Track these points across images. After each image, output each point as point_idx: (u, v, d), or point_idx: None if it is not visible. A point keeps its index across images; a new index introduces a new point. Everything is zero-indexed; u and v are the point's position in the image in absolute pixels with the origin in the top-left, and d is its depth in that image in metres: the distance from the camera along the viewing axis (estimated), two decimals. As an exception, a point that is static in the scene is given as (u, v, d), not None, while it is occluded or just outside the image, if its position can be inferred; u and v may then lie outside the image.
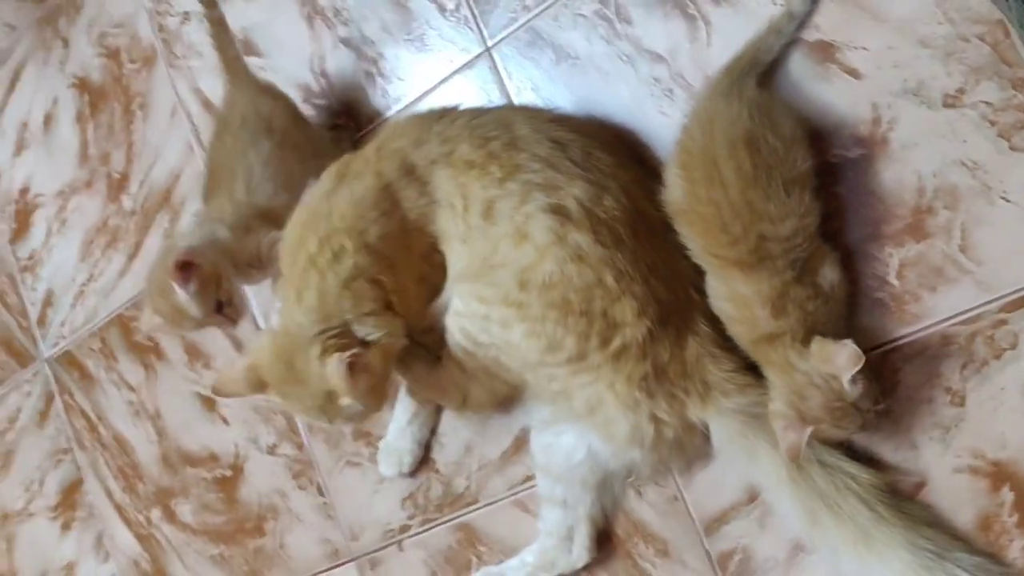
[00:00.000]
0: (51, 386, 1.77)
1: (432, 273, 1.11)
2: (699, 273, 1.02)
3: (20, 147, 1.79)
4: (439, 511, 1.32)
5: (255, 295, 1.44)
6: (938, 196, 0.97)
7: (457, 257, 1.08)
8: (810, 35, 1.03)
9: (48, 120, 1.74)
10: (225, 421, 1.53)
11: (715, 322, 1.02)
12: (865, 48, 1.00)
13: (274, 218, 1.18)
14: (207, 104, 1.52)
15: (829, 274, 0.96)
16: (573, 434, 1.09)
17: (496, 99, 1.24)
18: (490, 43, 1.24)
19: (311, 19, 1.40)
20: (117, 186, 1.65)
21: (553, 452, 1.11)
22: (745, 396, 1.00)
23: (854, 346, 0.89)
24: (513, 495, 1.25)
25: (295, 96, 1.41)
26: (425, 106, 1.29)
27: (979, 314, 0.96)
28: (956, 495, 0.97)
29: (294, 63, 1.42)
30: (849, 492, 0.97)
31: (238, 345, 1.49)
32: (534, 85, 1.21)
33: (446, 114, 1.11)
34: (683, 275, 1.03)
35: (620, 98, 1.14)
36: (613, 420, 1.03)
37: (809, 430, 0.92)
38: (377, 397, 1.06)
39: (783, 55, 1.04)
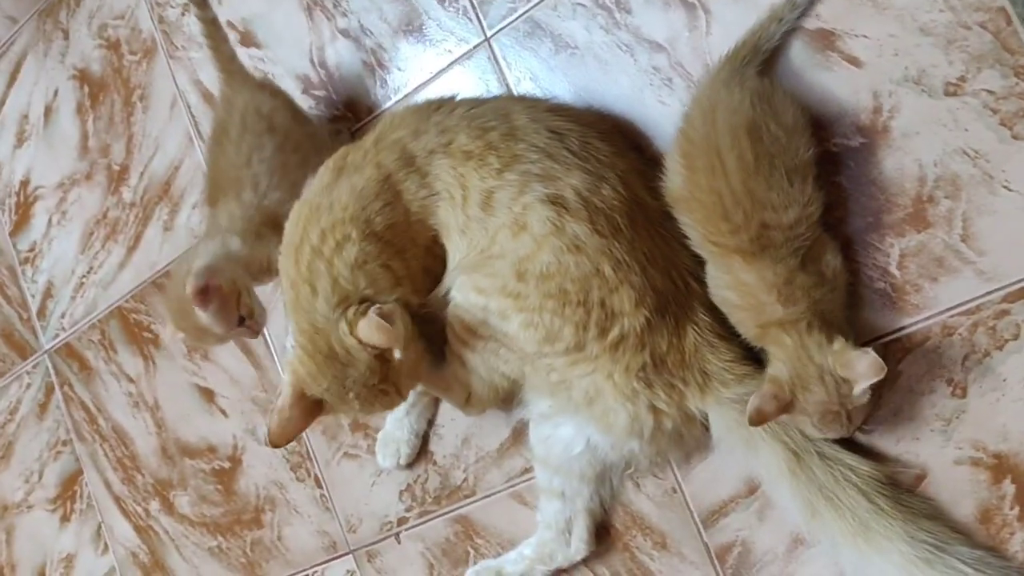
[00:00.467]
0: (51, 378, 1.77)
1: (435, 265, 1.10)
2: (698, 263, 1.02)
3: (20, 139, 1.79)
4: (437, 503, 1.31)
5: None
6: (939, 185, 0.96)
7: (456, 248, 1.08)
8: (811, 23, 1.02)
9: (48, 112, 1.74)
10: (223, 413, 1.53)
11: (714, 312, 1.01)
12: (866, 36, 0.99)
13: (284, 223, 1.17)
14: (207, 96, 1.52)
15: (832, 262, 0.96)
16: (572, 426, 1.08)
17: (495, 89, 1.24)
18: (489, 33, 1.24)
19: (310, 10, 1.39)
20: (117, 178, 1.64)
21: (552, 444, 1.11)
22: (744, 386, 0.99)
23: (877, 357, 0.88)
24: (511, 487, 1.25)
25: (294, 87, 1.41)
26: (424, 96, 1.28)
27: (981, 304, 0.95)
28: (957, 487, 0.96)
29: (293, 54, 1.41)
30: (848, 484, 0.96)
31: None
32: (533, 75, 1.20)
33: (444, 104, 1.11)
34: (681, 264, 1.02)
35: (619, 88, 1.14)
36: (612, 411, 1.02)
37: (787, 416, 0.92)
38: (413, 347, 1.04)
39: (784, 43, 1.04)
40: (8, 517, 1.85)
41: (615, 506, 1.16)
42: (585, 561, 1.16)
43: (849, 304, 0.99)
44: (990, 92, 0.93)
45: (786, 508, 1.01)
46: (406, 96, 1.31)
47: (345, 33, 1.36)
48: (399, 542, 1.35)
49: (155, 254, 1.59)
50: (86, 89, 1.68)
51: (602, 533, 1.16)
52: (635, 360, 1.00)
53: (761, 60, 1.02)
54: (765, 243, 0.92)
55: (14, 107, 1.79)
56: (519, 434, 1.23)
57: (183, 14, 1.54)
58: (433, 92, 1.28)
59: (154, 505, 1.63)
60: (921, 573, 0.92)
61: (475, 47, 1.25)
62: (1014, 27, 0.92)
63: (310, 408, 1.04)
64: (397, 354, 1.01)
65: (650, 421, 1.02)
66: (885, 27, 0.98)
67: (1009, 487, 0.94)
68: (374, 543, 1.38)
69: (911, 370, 0.98)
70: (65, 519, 1.76)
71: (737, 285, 0.95)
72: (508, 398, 1.13)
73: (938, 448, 0.97)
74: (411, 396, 1.26)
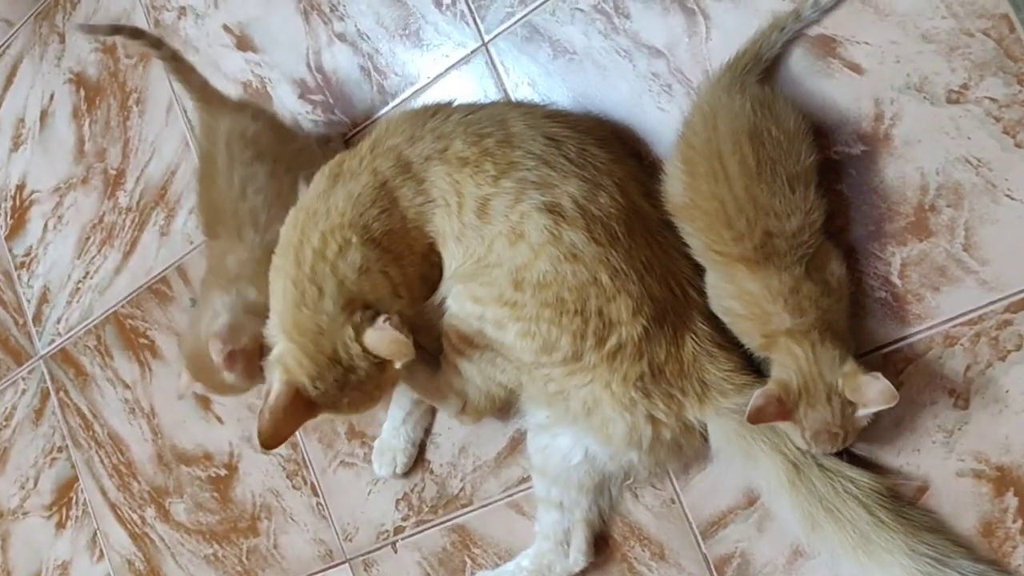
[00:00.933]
0: (47, 383, 1.76)
1: (431, 273, 1.09)
2: (696, 271, 1.01)
3: (16, 143, 1.78)
4: (433, 512, 1.30)
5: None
6: (941, 194, 0.95)
7: (452, 256, 1.06)
8: (812, 30, 1.01)
9: (44, 116, 1.73)
10: (219, 420, 1.52)
11: (713, 321, 1.00)
12: (867, 43, 0.98)
13: None
14: (203, 100, 1.50)
15: (837, 271, 0.94)
16: (570, 436, 1.07)
17: (493, 94, 1.22)
18: (487, 38, 1.23)
19: (307, 14, 1.38)
20: (113, 182, 1.63)
21: (550, 454, 1.10)
22: (743, 396, 0.98)
23: (889, 384, 0.87)
24: (508, 497, 1.24)
25: (291, 91, 1.40)
26: (421, 101, 1.27)
27: (983, 314, 0.94)
28: (959, 500, 0.95)
29: (290, 58, 1.40)
30: (849, 496, 0.95)
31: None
32: (531, 80, 1.19)
33: (440, 110, 1.10)
34: (680, 273, 1.01)
35: (618, 93, 1.13)
36: (610, 421, 1.01)
37: (786, 427, 0.91)
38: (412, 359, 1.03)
39: (785, 51, 1.02)
40: (3, 524, 1.84)
41: (613, 516, 1.15)
42: (583, 572, 1.14)
43: (850, 313, 0.98)
44: (993, 100, 0.92)
45: (786, 520, 1.00)
46: (403, 101, 1.30)
47: (342, 37, 1.35)
48: (395, 551, 1.34)
49: (151, 259, 1.58)
50: (82, 93, 1.67)
51: (600, 544, 1.15)
52: (633, 370, 0.99)
53: (762, 68, 1.01)
54: (769, 251, 0.91)
55: (10, 111, 1.78)
56: (516, 443, 1.22)
57: (179, 17, 1.53)
58: (430, 97, 1.27)
59: (150, 512, 1.62)
60: (923, 587, 0.91)
61: (473, 52, 1.24)
62: (1017, 34, 0.91)
63: (304, 409, 1.03)
64: (398, 364, 1.00)
65: (648, 431, 1.01)
66: (887, 34, 0.97)
67: (1012, 500, 0.93)
68: (370, 552, 1.37)
69: (912, 381, 0.97)
70: (60, 526, 1.75)
71: (741, 295, 0.94)
72: (505, 407, 1.12)
73: (940, 460, 0.96)
74: (408, 404, 1.25)
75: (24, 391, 1.79)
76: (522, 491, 1.22)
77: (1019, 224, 0.92)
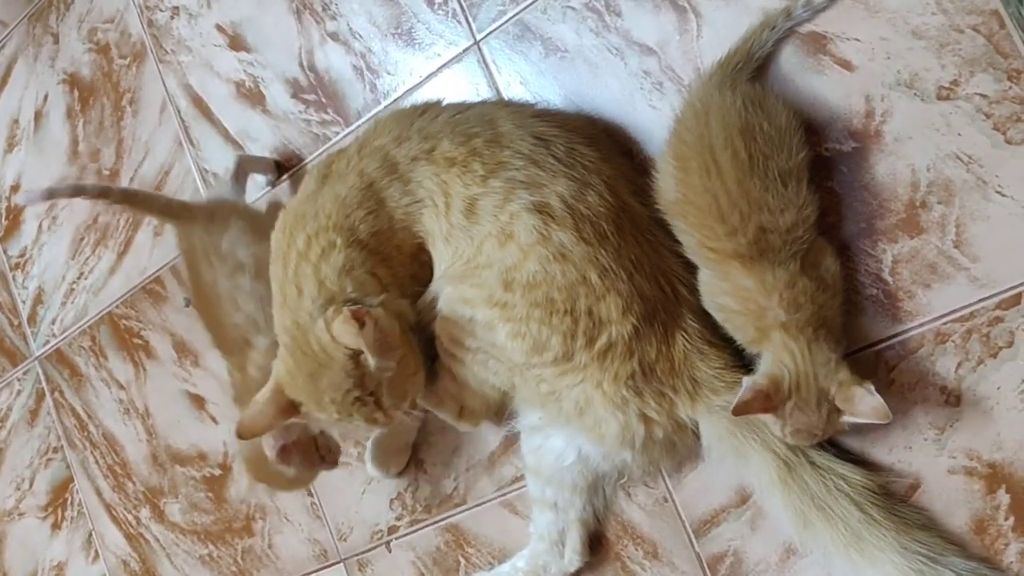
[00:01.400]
0: (41, 384, 1.76)
1: (422, 273, 1.09)
2: (687, 269, 1.00)
3: (11, 144, 1.78)
4: (427, 512, 1.30)
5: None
6: (932, 190, 0.95)
7: (441, 256, 1.06)
8: (803, 27, 1.01)
9: (38, 116, 1.73)
10: (214, 420, 1.52)
11: (704, 318, 1.00)
12: (857, 39, 0.98)
13: None
14: (197, 100, 1.50)
15: (832, 267, 0.94)
16: (563, 437, 1.07)
17: (485, 93, 1.22)
18: (479, 36, 1.22)
19: (299, 13, 1.38)
20: (107, 182, 1.63)
21: (543, 454, 1.10)
22: (735, 394, 0.97)
23: (883, 403, 0.87)
24: (502, 496, 1.24)
25: (283, 91, 1.40)
26: (414, 100, 1.27)
27: (974, 311, 0.94)
28: (950, 497, 0.95)
29: (283, 58, 1.40)
30: (841, 494, 0.95)
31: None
32: (523, 79, 1.19)
33: (428, 109, 1.10)
34: (670, 271, 1.01)
35: (610, 91, 1.12)
36: (603, 420, 1.01)
37: (766, 417, 0.90)
38: (393, 356, 1.02)
39: (776, 49, 1.02)
40: (-1, 524, 1.85)
41: (607, 516, 1.15)
42: (577, 572, 1.14)
43: (842, 309, 0.97)
44: (983, 96, 0.92)
45: (778, 518, 1.00)
46: (396, 100, 1.30)
47: (334, 36, 1.35)
48: (390, 551, 1.34)
49: (145, 259, 1.58)
50: (76, 93, 1.67)
51: (594, 543, 1.15)
52: (624, 368, 0.99)
53: (754, 66, 1.01)
54: (763, 247, 0.91)
55: (4, 111, 1.78)
56: (510, 443, 1.21)
57: (172, 18, 1.53)
58: (423, 96, 1.27)
59: (145, 513, 1.62)
60: (914, 584, 0.90)
61: (465, 50, 1.24)
62: (1007, 30, 0.91)
63: (284, 407, 1.03)
64: (371, 360, 0.99)
65: (641, 430, 1.00)
66: (877, 30, 0.97)
67: (1004, 497, 0.93)
68: (365, 552, 1.37)
69: (904, 378, 0.97)
70: (56, 527, 1.75)
71: (736, 291, 0.94)
72: (500, 410, 1.12)
73: (931, 457, 0.96)
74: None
75: (19, 392, 1.79)
76: (515, 490, 1.22)
77: (1010, 220, 0.92)
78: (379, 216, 1.05)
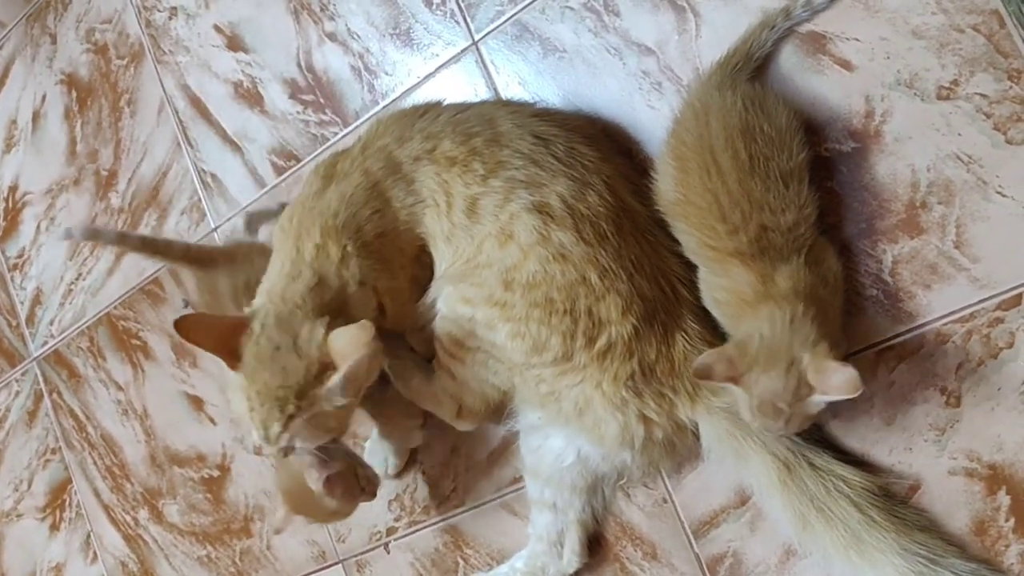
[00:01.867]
0: (40, 385, 1.75)
1: (422, 275, 1.09)
2: (687, 269, 1.00)
3: (9, 144, 1.77)
4: (426, 513, 1.30)
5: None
6: (932, 191, 0.95)
7: (442, 257, 1.06)
8: (802, 26, 1.01)
9: (36, 117, 1.73)
10: (212, 421, 1.51)
11: (704, 319, 1.00)
12: (857, 39, 0.98)
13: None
14: (194, 100, 1.50)
15: (834, 267, 0.94)
16: (562, 437, 1.07)
17: (483, 93, 1.22)
18: (477, 37, 1.22)
19: (297, 13, 1.38)
20: (105, 183, 1.63)
21: (542, 455, 1.09)
22: (734, 394, 0.97)
23: (857, 375, 0.83)
24: (500, 497, 1.23)
25: (281, 91, 1.40)
26: (412, 101, 1.27)
27: (975, 312, 0.93)
28: (951, 498, 0.94)
29: (281, 58, 1.40)
30: (840, 495, 0.94)
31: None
32: (521, 79, 1.19)
33: (429, 109, 1.10)
34: (670, 271, 1.00)
35: (608, 92, 1.12)
36: (603, 421, 1.00)
37: (728, 386, 0.88)
38: (351, 404, 1.01)
39: (775, 49, 1.02)
40: (-3, 526, 1.84)
41: (606, 517, 1.15)
42: (576, 573, 1.14)
43: (842, 310, 0.97)
44: (983, 96, 0.92)
45: (778, 519, 0.99)
46: (394, 100, 1.30)
47: (332, 37, 1.35)
48: (388, 552, 1.34)
49: (143, 260, 1.58)
50: (74, 94, 1.67)
51: (593, 544, 1.15)
52: (623, 369, 0.98)
53: (753, 66, 1.01)
54: (764, 245, 0.90)
55: (2, 112, 1.78)
56: (508, 444, 1.21)
57: (170, 18, 1.53)
58: (421, 97, 1.26)
59: (143, 514, 1.62)
60: (915, 586, 0.90)
61: (463, 51, 1.24)
62: (1007, 30, 0.90)
63: (231, 337, 1.02)
64: (335, 381, 0.97)
65: (641, 431, 1.00)
66: (877, 30, 0.96)
67: (1004, 498, 0.92)
68: (363, 553, 1.37)
69: (904, 379, 0.96)
70: (54, 528, 1.75)
71: (735, 285, 0.93)
72: (499, 410, 1.12)
73: (932, 458, 0.95)
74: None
75: (18, 393, 1.79)
76: (514, 491, 1.21)
77: (1010, 221, 0.91)
78: (385, 216, 1.05)
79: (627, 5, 1.10)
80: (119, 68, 1.60)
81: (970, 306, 0.93)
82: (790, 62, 1.01)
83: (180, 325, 1.03)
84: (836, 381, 0.84)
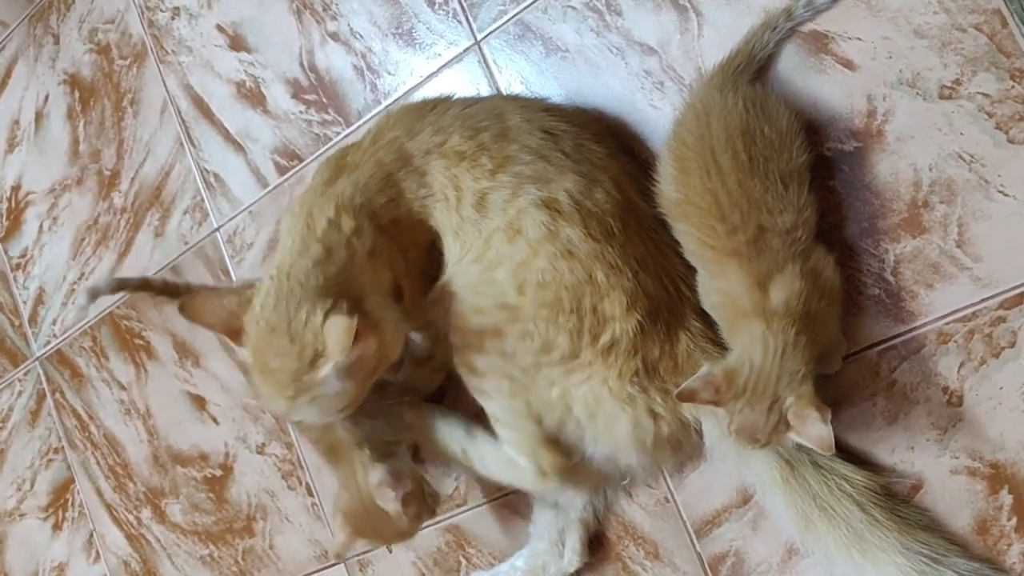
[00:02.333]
0: (42, 385, 1.75)
1: (431, 269, 1.09)
2: (690, 268, 1.00)
3: (12, 144, 1.78)
4: (428, 512, 1.30)
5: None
6: (934, 190, 0.95)
7: (450, 251, 1.06)
8: (804, 25, 1.01)
9: (39, 117, 1.73)
10: (215, 420, 1.51)
11: (706, 318, 0.99)
12: (859, 38, 0.98)
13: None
14: (197, 100, 1.50)
15: (831, 277, 0.93)
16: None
17: (486, 93, 1.22)
18: (479, 36, 1.22)
19: (300, 13, 1.38)
20: (108, 183, 1.63)
21: None
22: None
23: (830, 434, 0.83)
24: (502, 496, 1.23)
25: (284, 91, 1.40)
26: (415, 100, 1.27)
27: (977, 311, 0.93)
28: (953, 497, 0.94)
29: (283, 58, 1.40)
30: (843, 494, 0.94)
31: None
32: (524, 79, 1.19)
33: (439, 104, 1.09)
34: (673, 270, 1.00)
35: (610, 91, 1.12)
36: (614, 420, 0.99)
37: (714, 408, 0.88)
38: (358, 386, 0.99)
39: (777, 49, 1.02)
40: (0, 526, 1.84)
41: (608, 516, 1.15)
42: (577, 572, 1.14)
43: (843, 311, 0.97)
44: (986, 95, 0.92)
45: (780, 518, 0.99)
46: (396, 100, 1.30)
47: (335, 36, 1.35)
48: (390, 551, 1.34)
49: (146, 260, 1.58)
50: (77, 94, 1.67)
51: (594, 543, 1.15)
52: (627, 366, 0.98)
53: (755, 67, 1.01)
54: (762, 247, 0.90)
55: (5, 112, 1.78)
56: (510, 442, 1.21)
57: (173, 18, 1.53)
58: (424, 96, 1.26)
59: (146, 513, 1.62)
60: (917, 585, 0.90)
61: (465, 50, 1.24)
62: (1010, 29, 0.91)
63: (231, 325, 1.01)
64: (326, 371, 0.94)
65: (651, 427, 0.99)
66: (879, 29, 0.97)
67: (1006, 497, 0.92)
68: (365, 552, 1.37)
69: (906, 378, 0.96)
70: (57, 527, 1.75)
71: (731, 288, 0.92)
72: (593, 475, 1.06)
73: (934, 457, 0.95)
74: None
75: (20, 393, 1.79)
76: (516, 492, 1.21)
77: (1012, 220, 0.91)
78: (399, 205, 1.05)
79: (629, 4, 1.10)
80: (122, 68, 1.60)
81: (972, 305, 0.93)
82: (792, 61, 1.01)
83: (185, 306, 1.03)
84: (812, 432, 0.85)
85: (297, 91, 1.39)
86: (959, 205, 0.94)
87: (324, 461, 1.21)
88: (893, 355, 0.97)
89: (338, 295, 0.97)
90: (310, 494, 1.41)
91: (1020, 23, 0.90)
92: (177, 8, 1.52)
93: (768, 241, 0.90)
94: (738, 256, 0.91)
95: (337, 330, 0.94)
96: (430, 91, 1.26)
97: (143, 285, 1.36)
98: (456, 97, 1.12)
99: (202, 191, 1.50)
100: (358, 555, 1.38)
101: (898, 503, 0.95)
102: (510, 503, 1.23)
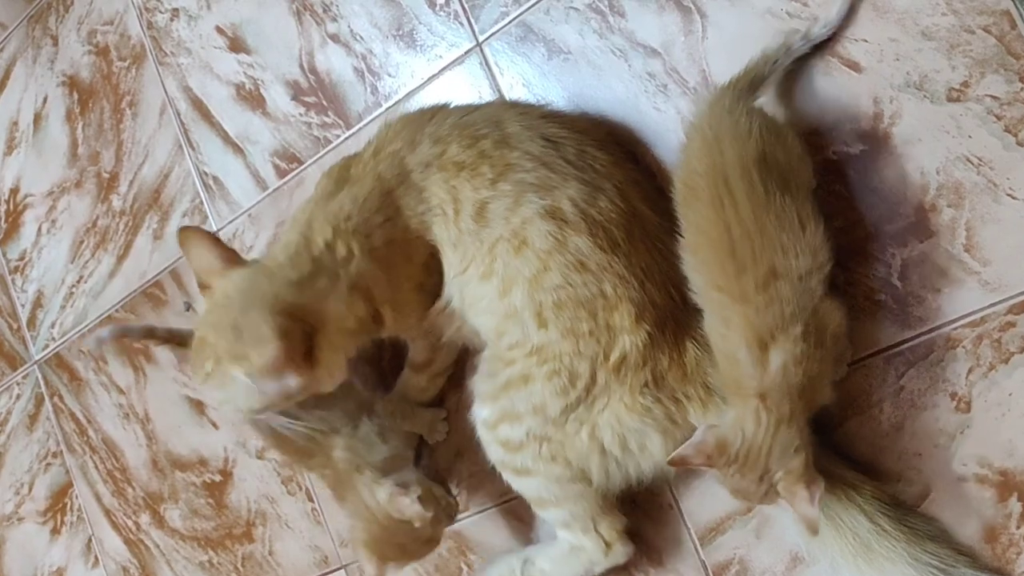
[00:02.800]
0: (41, 389, 1.74)
1: (428, 281, 1.07)
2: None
3: (10, 147, 1.77)
4: (429, 518, 1.29)
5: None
6: (942, 193, 0.93)
7: (449, 264, 1.05)
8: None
9: (38, 119, 1.72)
10: (214, 425, 1.50)
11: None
12: (866, 40, 0.96)
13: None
14: (196, 102, 1.49)
15: (839, 333, 0.89)
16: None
17: (488, 95, 1.21)
18: (481, 38, 1.21)
19: (300, 14, 1.37)
20: (107, 186, 1.62)
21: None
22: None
23: (816, 519, 0.83)
24: (504, 503, 1.22)
25: (284, 93, 1.39)
26: (415, 103, 1.26)
27: (985, 316, 0.92)
28: (961, 505, 0.93)
29: (283, 59, 1.39)
30: (850, 503, 0.93)
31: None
32: (526, 81, 1.18)
33: (437, 113, 1.08)
34: (678, 279, 0.98)
35: (613, 94, 1.11)
36: (642, 435, 0.97)
37: (708, 469, 0.87)
38: (269, 401, 0.99)
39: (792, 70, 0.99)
40: (-2, 530, 1.84)
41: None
42: None
43: (850, 316, 0.95)
44: (994, 98, 0.91)
45: (785, 526, 0.98)
46: (397, 103, 1.29)
47: (335, 38, 1.34)
48: (391, 558, 1.33)
49: (145, 263, 1.57)
50: (75, 96, 1.66)
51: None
52: (636, 379, 0.97)
53: (762, 89, 0.97)
54: (772, 295, 0.84)
55: (4, 114, 1.77)
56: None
57: (172, 19, 1.52)
58: (424, 99, 1.25)
59: (144, 518, 1.61)
60: (925, 596, 0.89)
61: (467, 52, 1.23)
62: (1018, 31, 0.89)
63: (206, 281, 1.04)
64: (241, 377, 0.96)
65: (675, 430, 0.97)
66: (886, 31, 0.95)
67: (1016, 505, 0.91)
68: (366, 558, 1.35)
69: (913, 384, 0.95)
70: (55, 532, 1.74)
71: (729, 345, 0.88)
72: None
73: (942, 465, 0.94)
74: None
75: (19, 396, 1.78)
76: (518, 498, 1.20)
77: (1021, 224, 0.90)
78: (396, 224, 1.03)
79: (632, 6, 1.09)
80: (121, 70, 1.59)
81: (981, 310, 0.92)
82: (798, 63, 1.00)
83: (185, 233, 1.04)
84: (799, 510, 0.84)
85: (297, 93, 1.38)
86: (967, 209, 0.92)
87: (334, 497, 1.20)
88: (900, 361, 0.96)
89: (298, 318, 0.97)
90: (310, 499, 1.40)
91: (1029, 24, 0.89)
92: (176, 9, 1.51)
93: (779, 289, 0.85)
94: (744, 303, 0.86)
95: (266, 354, 0.94)
96: (431, 93, 1.25)
97: (148, 333, 1.37)
98: (454, 105, 1.10)
99: (201, 194, 1.49)
100: (358, 561, 1.36)
101: (906, 512, 0.94)
102: (512, 509, 1.22)
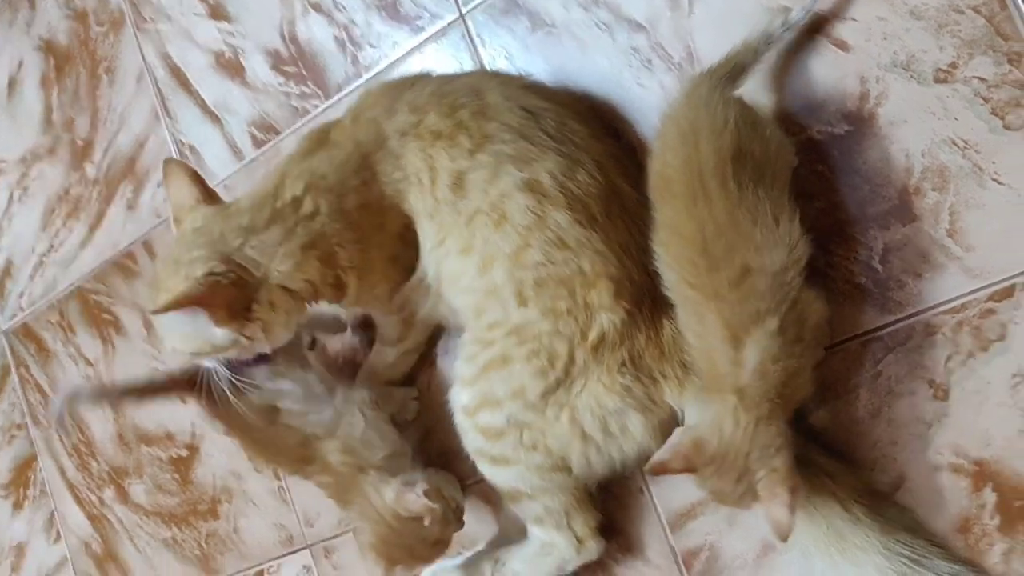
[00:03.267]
0: (7, 359, 1.71)
1: (405, 253, 1.05)
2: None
3: (-16, 111, 1.73)
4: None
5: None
6: (927, 176, 0.92)
7: (426, 234, 1.03)
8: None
9: (13, 84, 1.68)
10: (181, 399, 1.47)
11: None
12: (854, 19, 0.94)
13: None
14: (175, 70, 1.46)
15: (820, 325, 0.87)
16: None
17: (469, 68, 1.18)
18: (464, 10, 1.18)
19: (281, -19, 1.34)
20: (81, 153, 1.59)
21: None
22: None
23: (789, 523, 0.81)
24: (475, 483, 1.20)
25: (264, 62, 1.36)
26: (396, 75, 1.23)
27: (966, 303, 0.90)
28: (935, 495, 0.91)
29: (264, 28, 1.36)
30: (825, 491, 0.91)
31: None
32: (508, 54, 1.15)
33: (417, 81, 1.07)
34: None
35: (597, 68, 1.09)
36: (622, 416, 0.95)
37: (684, 473, 0.85)
38: (200, 346, 1.00)
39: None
40: (-42, 502, 1.80)
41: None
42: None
43: (829, 299, 0.93)
44: (982, 79, 0.89)
45: (757, 513, 0.95)
46: (377, 74, 1.26)
47: (317, 7, 1.31)
48: (355, 536, 1.30)
49: (118, 233, 1.54)
50: (51, 61, 1.62)
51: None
52: (614, 358, 0.95)
53: (743, 79, 0.94)
54: (746, 291, 0.82)
55: (-22, 78, 1.74)
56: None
57: (152, -16, 1.49)
58: (406, 70, 1.23)
59: (108, 493, 1.57)
60: (896, 587, 0.87)
61: (449, 24, 1.20)
62: (1008, 12, 0.88)
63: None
64: (164, 305, 0.97)
65: (655, 408, 0.96)
66: (874, 10, 0.93)
67: (990, 495, 0.89)
68: (332, 538, 1.33)
69: (891, 370, 0.93)
70: (17, 506, 1.71)
71: (705, 339, 0.86)
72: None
73: (917, 453, 0.92)
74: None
75: (-16, 367, 1.75)
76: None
77: (1006, 209, 0.88)
78: (371, 189, 1.02)
79: (619, -21, 1.07)
80: (98, 35, 1.56)
81: (961, 296, 0.90)
82: (784, 41, 0.98)
83: (170, 165, 1.07)
84: (772, 514, 0.82)
85: (277, 62, 1.35)
86: (951, 193, 0.90)
87: (338, 505, 1.18)
88: (878, 346, 0.94)
89: (241, 268, 0.98)
90: (277, 477, 1.37)
91: (1019, 5, 0.87)
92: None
93: (753, 284, 0.82)
94: (718, 300, 0.83)
95: (185, 291, 0.96)
96: (413, 65, 1.23)
97: (128, 390, 1.26)
98: (435, 74, 1.08)
99: (176, 163, 1.45)
100: (323, 540, 1.34)
101: (880, 502, 0.92)
102: (482, 491, 1.19)
